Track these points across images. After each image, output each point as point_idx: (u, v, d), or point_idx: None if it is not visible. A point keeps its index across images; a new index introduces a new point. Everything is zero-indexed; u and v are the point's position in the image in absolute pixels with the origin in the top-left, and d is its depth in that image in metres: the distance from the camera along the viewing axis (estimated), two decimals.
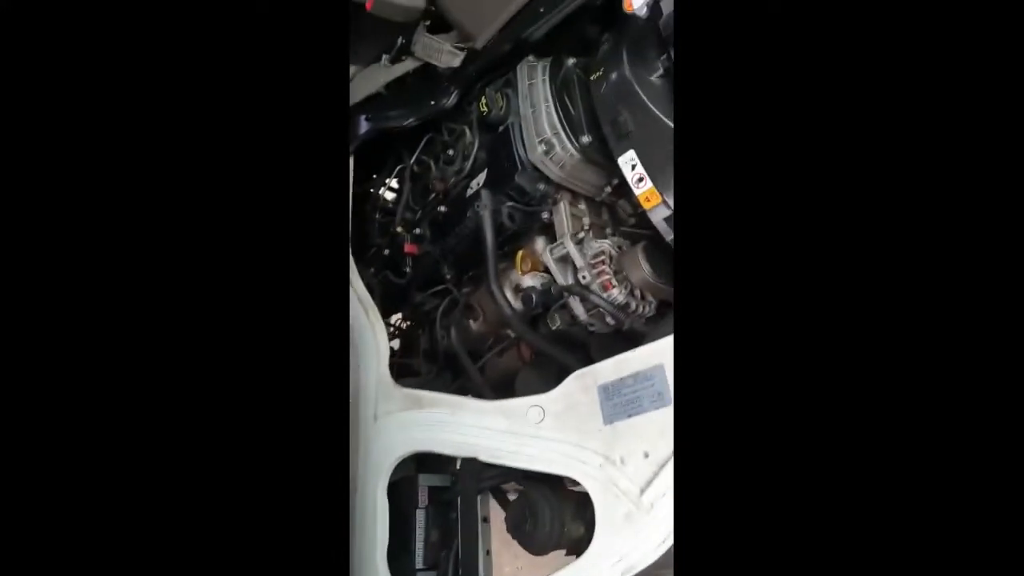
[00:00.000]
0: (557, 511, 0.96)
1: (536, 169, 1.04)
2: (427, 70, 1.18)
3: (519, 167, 1.05)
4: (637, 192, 0.91)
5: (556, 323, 1.06)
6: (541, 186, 1.05)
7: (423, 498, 1.07)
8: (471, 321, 1.30)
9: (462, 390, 1.34)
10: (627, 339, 1.06)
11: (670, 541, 0.78)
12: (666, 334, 0.85)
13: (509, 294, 1.16)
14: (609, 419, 0.88)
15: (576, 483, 0.90)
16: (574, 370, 1.04)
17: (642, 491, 0.82)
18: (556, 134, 1.01)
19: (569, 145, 1.01)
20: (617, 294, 0.98)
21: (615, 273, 1.00)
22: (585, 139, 1.01)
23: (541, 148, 1.01)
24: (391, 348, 1.14)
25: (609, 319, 1.00)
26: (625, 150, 0.91)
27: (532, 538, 0.95)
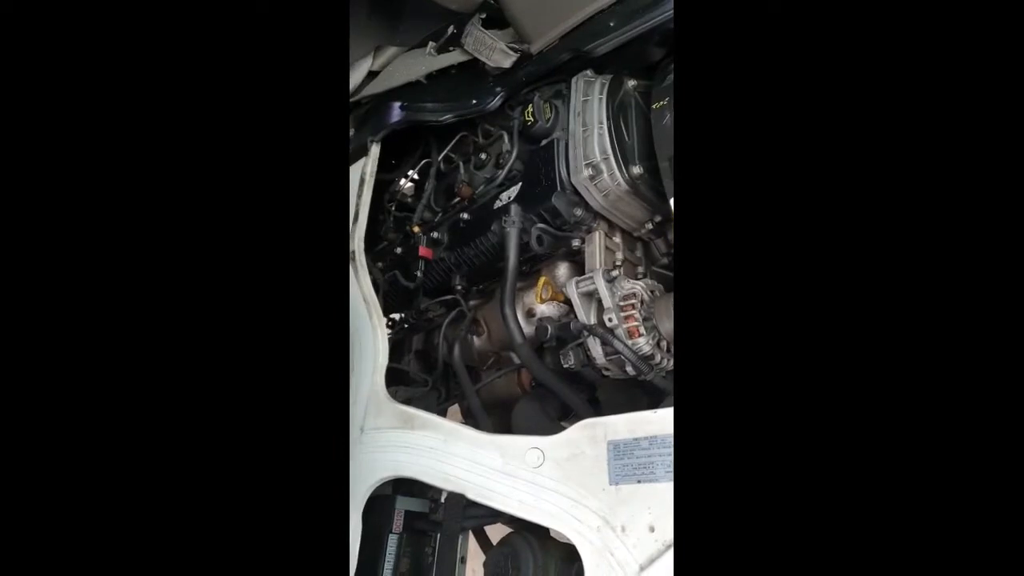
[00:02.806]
0: (541, 564, 0.88)
1: (576, 193, 0.96)
2: (473, 66, 1.10)
3: (558, 187, 0.97)
4: None
5: (570, 361, 0.98)
6: (578, 212, 0.97)
7: (398, 522, 0.99)
8: (474, 337, 1.22)
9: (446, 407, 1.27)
10: (642, 390, 0.98)
11: None
12: None
13: (520, 318, 1.08)
14: (615, 480, 0.80)
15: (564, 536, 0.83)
16: (579, 412, 0.96)
17: (642, 568, 0.74)
18: (606, 159, 0.93)
19: (618, 173, 0.93)
20: (644, 344, 0.90)
21: (644, 320, 0.92)
22: (636, 170, 0.93)
23: (587, 172, 0.93)
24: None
25: (629, 368, 0.92)
26: None
27: None
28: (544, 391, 1.12)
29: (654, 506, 0.76)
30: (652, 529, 0.75)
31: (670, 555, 0.72)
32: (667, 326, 0.93)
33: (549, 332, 1.00)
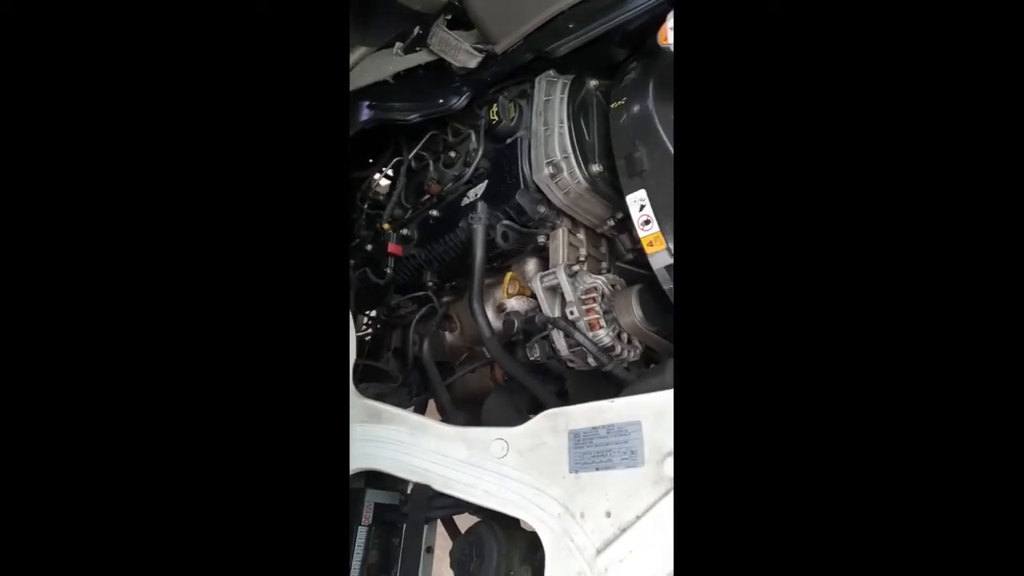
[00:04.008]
0: (505, 553, 0.91)
1: (539, 191, 0.98)
2: (440, 66, 1.12)
3: (522, 185, 0.99)
4: (641, 234, 0.86)
5: (536, 354, 1.00)
6: (542, 209, 0.99)
7: (367, 515, 1.01)
8: (447, 333, 1.24)
9: (422, 402, 1.29)
10: (608, 381, 1.01)
11: None
12: (650, 389, 0.80)
13: (490, 313, 1.10)
14: (575, 468, 0.83)
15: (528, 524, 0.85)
16: (547, 404, 0.98)
17: (598, 552, 0.77)
18: (566, 158, 0.96)
19: (578, 172, 0.96)
20: (603, 335, 0.93)
21: (604, 313, 0.94)
22: (595, 168, 0.96)
23: (548, 170, 0.96)
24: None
25: (591, 359, 0.95)
26: (636, 188, 0.86)
27: None
28: (514, 385, 1.14)
29: (611, 492, 0.79)
30: (609, 514, 0.78)
31: (624, 538, 0.75)
32: (627, 319, 0.96)
33: (516, 326, 1.03)
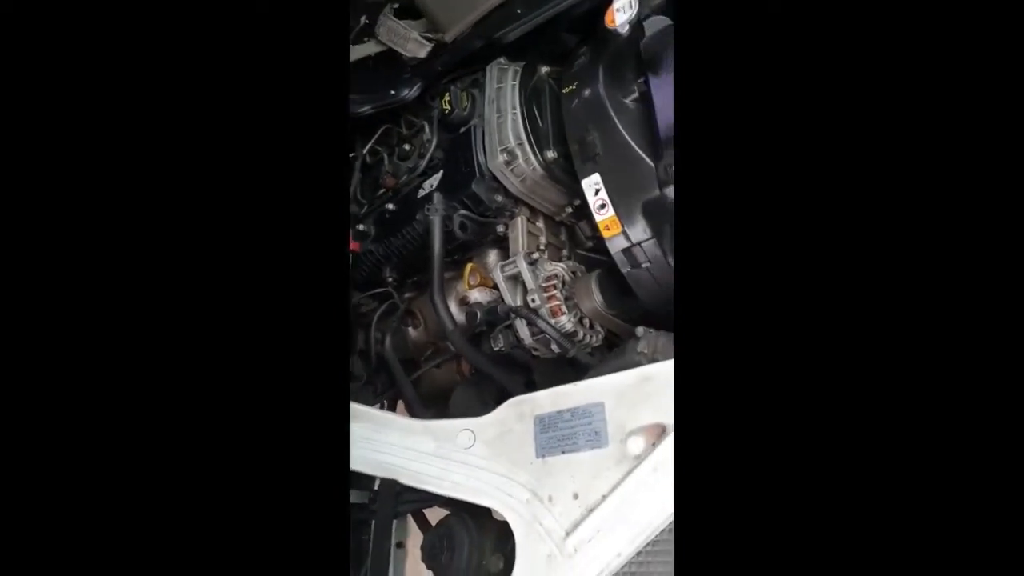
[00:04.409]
0: (477, 543, 0.90)
1: (495, 179, 0.98)
2: (390, 57, 1.10)
3: (477, 174, 0.98)
4: (598, 218, 0.87)
5: (500, 344, 1.00)
6: (499, 197, 0.99)
7: None
8: (410, 329, 1.23)
9: (392, 400, 1.27)
10: (573, 368, 1.02)
11: None
12: (611, 371, 0.81)
13: (453, 306, 1.09)
14: (542, 453, 0.83)
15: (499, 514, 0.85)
16: (514, 393, 0.99)
17: (567, 534, 0.77)
18: (520, 144, 0.95)
19: (533, 158, 0.96)
20: (565, 321, 0.93)
21: (566, 299, 0.95)
22: (550, 154, 0.96)
23: (503, 157, 0.95)
24: None
25: (554, 346, 0.95)
26: (590, 173, 0.87)
27: (448, 569, 0.89)
28: (481, 377, 1.14)
29: (577, 474, 0.79)
30: (576, 496, 0.78)
31: (592, 518, 0.76)
32: (587, 304, 0.97)
33: (479, 317, 1.02)
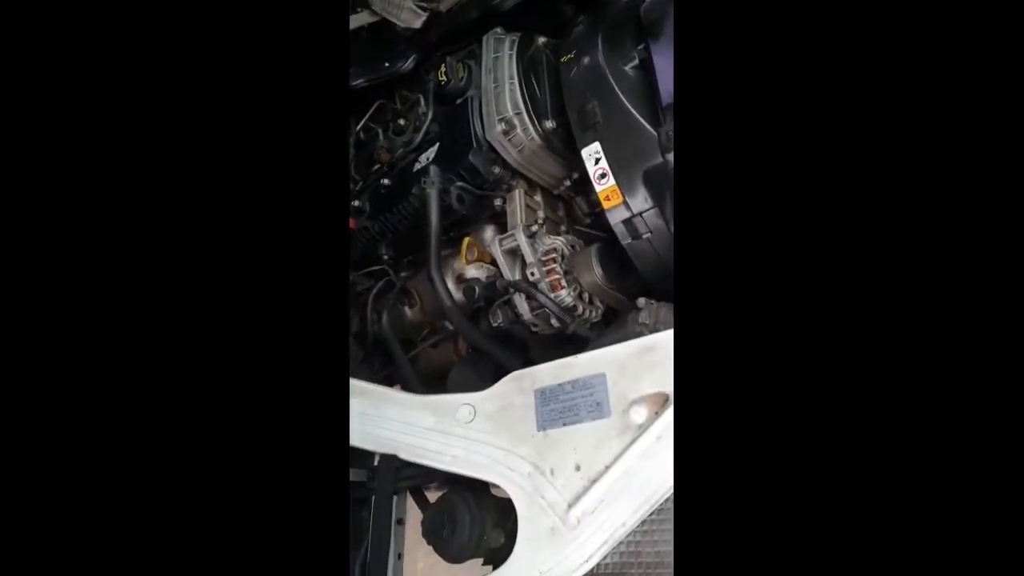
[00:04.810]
0: (478, 518, 0.90)
1: (492, 150, 0.96)
2: (384, 28, 1.07)
3: (474, 145, 0.97)
4: (598, 188, 0.86)
5: (498, 320, 0.99)
6: (496, 169, 0.97)
7: None
8: (406, 308, 1.21)
9: (389, 380, 1.26)
10: (571, 345, 1.01)
11: (593, 562, 0.74)
12: (613, 342, 0.80)
13: (451, 283, 1.08)
14: (543, 426, 0.82)
15: (500, 488, 0.85)
16: (512, 370, 0.98)
17: (570, 506, 0.77)
18: (518, 114, 0.94)
19: (531, 128, 0.94)
20: (565, 295, 0.92)
21: (565, 273, 0.94)
22: (549, 124, 0.94)
23: (500, 127, 0.94)
24: None
25: (554, 321, 0.94)
26: (590, 141, 0.85)
27: (449, 544, 0.89)
28: (478, 355, 1.13)
29: (579, 446, 0.79)
30: (578, 468, 0.78)
31: (594, 489, 0.75)
32: (587, 278, 0.96)
33: (477, 292, 1.01)
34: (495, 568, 0.81)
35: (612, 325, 0.93)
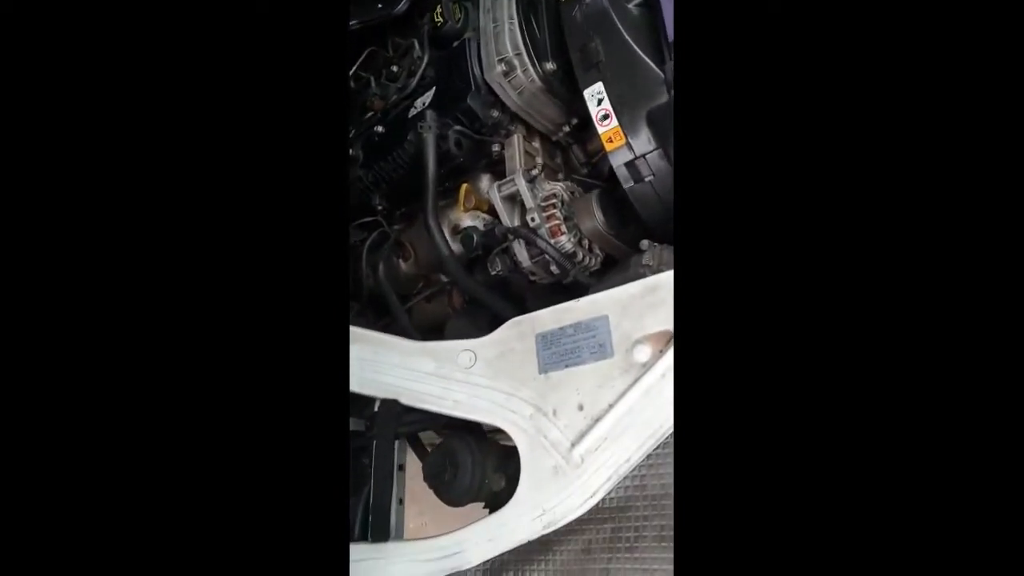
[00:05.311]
0: (479, 461, 0.90)
1: (491, 92, 0.94)
2: None
3: (472, 87, 0.94)
4: (600, 130, 0.84)
5: (496, 268, 0.98)
6: (495, 112, 0.95)
7: None
8: (401, 261, 1.20)
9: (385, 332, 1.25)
10: (568, 293, 1.01)
11: (598, 497, 0.75)
12: (615, 284, 0.80)
13: (448, 234, 1.06)
14: (545, 368, 0.83)
15: (501, 432, 0.85)
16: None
17: (573, 445, 0.78)
18: (518, 55, 0.91)
19: (531, 69, 0.92)
20: (565, 241, 0.92)
21: (565, 219, 0.93)
22: (549, 66, 0.92)
23: (500, 68, 0.91)
24: None
25: (554, 268, 0.94)
26: (593, 82, 0.84)
27: (451, 488, 0.89)
28: (474, 308, 1.12)
29: (582, 387, 0.79)
30: (581, 408, 0.78)
31: (598, 427, 0.76)
32: (588, 224, 0.95)
33: (475, 240, 1.00)
34: (495, 511, 0.82)
35: (615, 267, 0.93)
